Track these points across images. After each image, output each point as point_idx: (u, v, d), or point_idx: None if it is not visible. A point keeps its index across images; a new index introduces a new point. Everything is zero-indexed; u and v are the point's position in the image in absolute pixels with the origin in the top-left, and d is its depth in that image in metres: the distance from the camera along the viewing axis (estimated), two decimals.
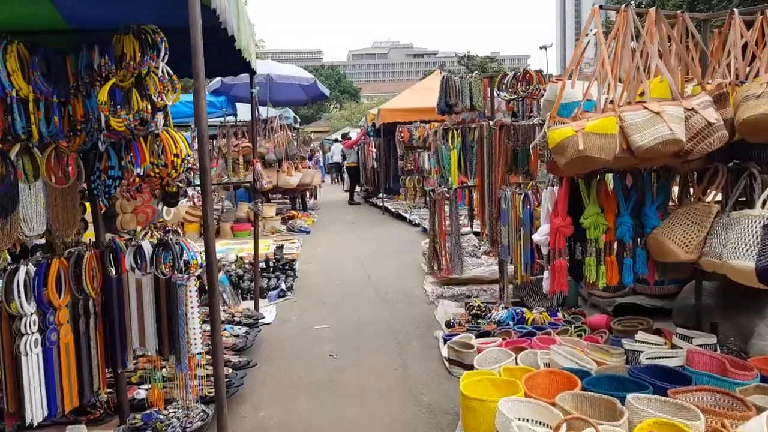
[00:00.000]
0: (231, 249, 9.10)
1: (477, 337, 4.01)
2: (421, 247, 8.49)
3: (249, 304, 5.63)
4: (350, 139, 16.95)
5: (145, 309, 2.63)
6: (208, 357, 3.64)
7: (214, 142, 11.75)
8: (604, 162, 2.96)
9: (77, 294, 2.57)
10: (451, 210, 4.87)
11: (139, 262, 2.67)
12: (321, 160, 24.70)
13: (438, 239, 4.89)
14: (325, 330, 4.80)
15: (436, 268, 4.95)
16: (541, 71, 4.80)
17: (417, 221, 10.45)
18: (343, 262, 7.64)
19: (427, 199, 4.81)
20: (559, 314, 4.71)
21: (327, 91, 11.82)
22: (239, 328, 4.13)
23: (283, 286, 5.90)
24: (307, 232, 10.43)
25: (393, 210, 12.17)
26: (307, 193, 14.92)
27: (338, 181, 27.71)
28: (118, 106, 2.43)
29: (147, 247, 2.64)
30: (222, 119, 10.78)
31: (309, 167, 12.04)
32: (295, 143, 11.26)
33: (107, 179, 2.58)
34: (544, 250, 3.60)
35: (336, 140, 31.86)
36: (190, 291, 2.63)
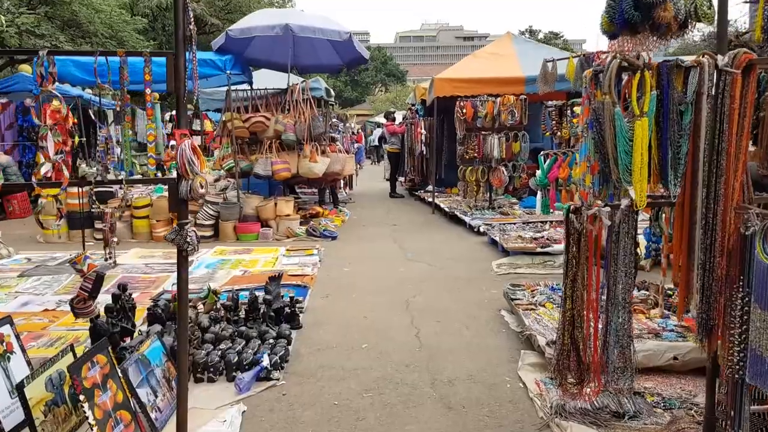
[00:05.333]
0: (225, 262, 6.58)
1: None
2: (494, 272, 5.77)
3: (212, 392, 3.07)
4: (394, 120, 14.20)
5: None
6: None
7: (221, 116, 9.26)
8: None
9: None
10: (619, 255, 2.14)
11: None
12: (362, 144, 22.18)
13: (581, 317, 2.18)
14: None
15: (570, 378, 2.26)
16: None
17: (481, 228, 7.68)
18: (377, 299, 4.98)
19: (567, 227, 2.03)
20: None
21: (366, 53, 9.11)
22: None
23: (266, 361, 3.29)
24: (333, 238, 7.82)
25: (447, 209, 9.41)
26: (341, 182, 12.33)
27: (376, 163, 25.63)
28: None
29: None
30: (229, 86, 8.22)
31: (340, 151, 9.39)
32: (322, 120, 8.61)
33: None
34: None
35: (378, 125, 29.43)
36: None
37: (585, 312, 2.20)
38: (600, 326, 2.23)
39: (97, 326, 3.28)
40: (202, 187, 2.16)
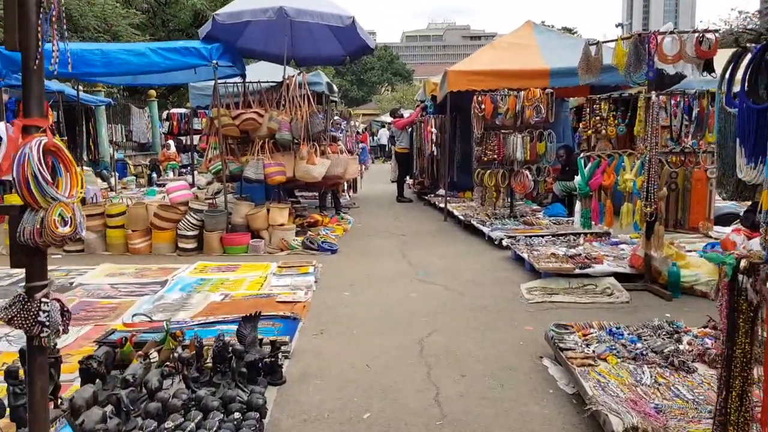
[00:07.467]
0: (205, 282, 5.59)
1: None
2: (525, 299, 4.77)
3: None
4: (402, 117, 13.19)
5: None
6: None
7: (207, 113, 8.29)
8: None
9: None
10: None
11: None
12: (367, 144, 21.20)
13: None
14: None
15: None
16: None
17: (504, 241, 6.67)
18: (383, 338, 3.98)
19: (731, 297, 1.02)
20: None
21: (372, 41, 8.11)
22: None
23: None
24: (333, 251, 6.83)
25: (462, 218, 8.39)
26: (344, 185, 11.33)
27: (384, 160, 24.98)
28: None
29: None
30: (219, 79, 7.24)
31: (342, 151, 8.40)
32: (322, 117, 7.62)
33: None
34: None
35: (383, 125, 28.51)
36: None
37: None
38: None
39: None
40: (66, 223, 1.17)
